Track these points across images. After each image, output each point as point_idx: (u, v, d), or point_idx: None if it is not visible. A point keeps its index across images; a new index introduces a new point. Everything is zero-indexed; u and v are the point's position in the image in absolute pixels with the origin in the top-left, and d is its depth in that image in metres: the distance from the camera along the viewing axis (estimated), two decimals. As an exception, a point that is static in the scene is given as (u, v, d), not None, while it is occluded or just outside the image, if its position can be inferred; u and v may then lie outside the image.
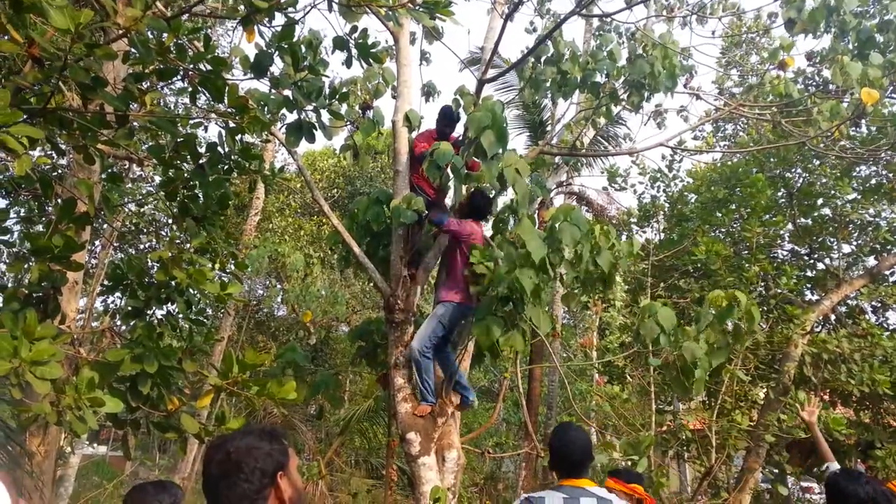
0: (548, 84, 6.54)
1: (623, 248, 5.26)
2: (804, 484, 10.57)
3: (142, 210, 12.15)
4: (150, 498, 3.01)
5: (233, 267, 4.31)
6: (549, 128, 14.59)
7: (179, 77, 3.71)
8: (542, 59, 6.56)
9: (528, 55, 6.44)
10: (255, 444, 1.72)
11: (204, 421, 4.64)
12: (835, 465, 4.33)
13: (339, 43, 4.34)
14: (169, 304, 4.17)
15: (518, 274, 5.24)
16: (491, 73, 6.19)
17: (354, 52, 4.28)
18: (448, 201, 6.20)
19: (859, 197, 10.08)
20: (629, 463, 6.11)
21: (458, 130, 6.05)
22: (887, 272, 10.51)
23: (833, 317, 10.39)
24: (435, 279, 5.76)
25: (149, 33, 3.26)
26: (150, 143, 4.02)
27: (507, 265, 5.08)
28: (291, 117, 4.36)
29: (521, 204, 5.37)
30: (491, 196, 5.91)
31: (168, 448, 18.03)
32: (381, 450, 13.58)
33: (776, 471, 9.06)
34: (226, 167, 4.08)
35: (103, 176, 4.10)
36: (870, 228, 10.38)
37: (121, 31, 2.93)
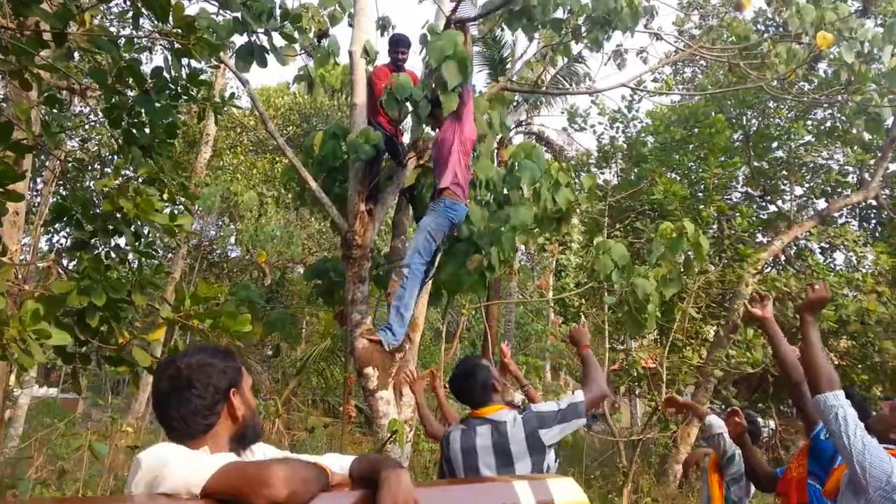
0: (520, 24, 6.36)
1: (584, 182, 5.25)
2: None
3: (85, 145, 11.69)
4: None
5: (182, 199, 4.15)
6: (509, 65, 14.38)
7: (121, -5, 3.48)
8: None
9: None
10: (207, 361, 1.67)
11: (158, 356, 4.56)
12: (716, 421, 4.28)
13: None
14: (117, 237, 4.01)
15: (503, 236, 5.24)
16: (466, 13, 5.94)
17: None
18: (406, 136, 6.09)
19: (813, 139, 10.26)
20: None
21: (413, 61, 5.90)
22: (836, 214, 10.80)
23: (783, 257, 10.68)
24: (435, 161, 5.26)
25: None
26: (91, 67, 3.80)
27: (492, 223, 5.09)
28: (242, 42, 4.17)
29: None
30: None
31: (121, 390, 17.88)
32: (337, 389, 13.67)
33: (723, 405, 9.40)
34: (172, 94, 3.89)
35: (42, 99, 3.86)
36: (822, 171, 10.62)
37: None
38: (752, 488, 4.19)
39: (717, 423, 4.21)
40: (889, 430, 2.70)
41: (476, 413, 3.08)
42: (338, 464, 1.61)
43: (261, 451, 1.75)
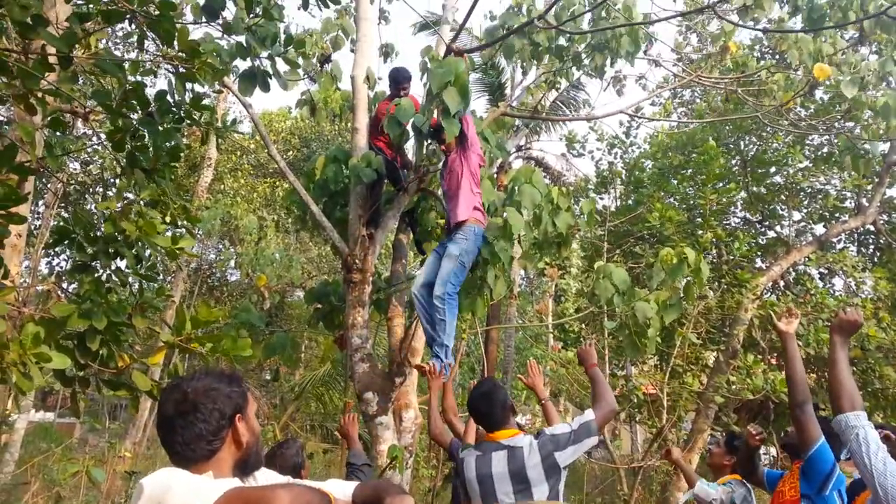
0: (517, 54, 6.45)
1: (584, 206, 5.25)
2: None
3: (88, 168, 11.72)
4: (282, 460, 3.39)
5: (185, 221, 4.15)
6: (507, 90, 14.49)
7: (126, 20, 3.51)
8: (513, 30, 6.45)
9: (508, 35, 6.21)
10: (213, 386, 1.66)
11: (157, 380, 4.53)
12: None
13: (296, -15, 4.18)
14: (118, 260, 4.01)
15: (495, 245, 5.24)
16: (464, 41, 6.03)
17: (311, -7, 4.13)
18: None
19: (810, 165, 10.31)
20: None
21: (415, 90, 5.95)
22: (834, 239, 10.82)
23: (782, 283, 10.68)
24: (445, 206, 5.20)
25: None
26: (95, 90, 3.82)
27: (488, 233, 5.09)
28: (246, 66, 4.21)
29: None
30: None
31: (118, 414, 17.75)
32: (336, 415, 13.56)
33: (723, 431, 9.34)
34: (176, 117, 3.91)
35: (46, 122, 3.88)
36: (819, 196, 10.65)
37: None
38: None
39: (709, 490, 4.24)
40: None
41: (491, 437, 3.09)
42: (341, 490, 1.60)
43: (264, 478, 1.74)
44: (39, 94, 3.44)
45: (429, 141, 5.58)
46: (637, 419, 10.56)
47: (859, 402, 2.65)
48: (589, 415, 3.05)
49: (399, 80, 5.92)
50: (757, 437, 4.00)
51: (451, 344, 4.82)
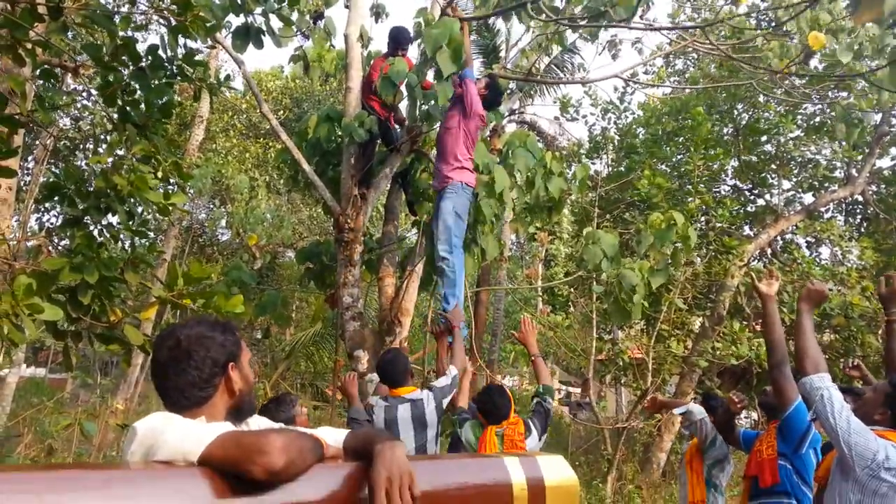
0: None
1: (577, 172, 5.28)
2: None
3: (78, 124, 11.59)
4: (272, 414, 3.33)
5: (176, 177, 4.15)
6: (502, 53, 14.35)
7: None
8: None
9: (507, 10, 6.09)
10: (207, 333, 1.68)
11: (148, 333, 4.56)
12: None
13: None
14: (109, 216, 4.01)
15: (481, 202, 5.25)
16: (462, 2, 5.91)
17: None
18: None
19: (802, 134, 10.32)
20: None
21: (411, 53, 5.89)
22: (823, 209, 10.89)
23: (769, 251, 10.78)
24: (436, 158, 5.18)
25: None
26: (85, 43, 3.78)
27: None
28: (238, 23, 4.16)
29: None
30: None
31: (110, 371, 17.84)
32: (326, 374, 13.69)
33: (706, 394, 9.50)
34: (168, 73, 3.88)
35: (37, 73, 3.84)
36: (810, 166, 10.69)
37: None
38: (730, 470, 4.34)
39: (697, 409, 4.33)
40: (873, 412, 2.78)
41: (395, 392, 3.90)
42: (332, 437, 1.63)
43: (256, 424, 1.78)
44: (28, 46, 3.40)
45: (421, 101, 5.55)
46: (622, 381, 10.74)
47: (823, 365, 2.76)
48: (453, 370, 4.05)
49: (400, 40, 5.85)
50: (738, 405, 4.11)
51: (461, 295, 4.95)
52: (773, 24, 9.16)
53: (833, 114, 10.03)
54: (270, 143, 16.75)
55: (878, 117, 9.77)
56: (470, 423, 3.96)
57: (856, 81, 7.51)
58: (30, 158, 12.60)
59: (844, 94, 9.17)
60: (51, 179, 4.04)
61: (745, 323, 9.26)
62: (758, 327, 9.49)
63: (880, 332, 8.48)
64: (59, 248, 4.93)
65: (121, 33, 3.66)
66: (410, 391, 3.92)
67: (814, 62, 9.26)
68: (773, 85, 8.63)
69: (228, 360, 1.69)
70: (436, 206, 5.04)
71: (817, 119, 10.38)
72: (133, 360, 11.86)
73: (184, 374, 1.63)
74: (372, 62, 6.03)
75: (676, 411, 4.67)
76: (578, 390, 17.27)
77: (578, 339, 10.92)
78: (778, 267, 8.95)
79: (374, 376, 5.06)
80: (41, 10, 3.29)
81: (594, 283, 7.40)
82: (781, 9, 7.32)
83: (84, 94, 11.58)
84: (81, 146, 12.97)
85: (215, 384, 1.67)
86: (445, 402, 3.94)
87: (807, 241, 11.11)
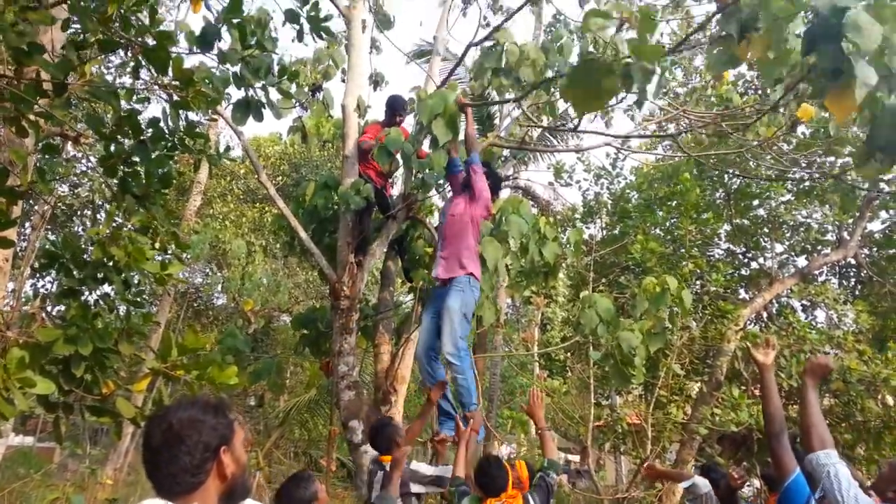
0: (489, 76, 6.44)
1: (571, 236, 5.32)
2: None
3: (76, 191, 11.69)
4: (295, 493, 3.47)
5: (174, 247, 4.16)
6: (496, 121, 14.62)
7: (122, 48, 3.56)
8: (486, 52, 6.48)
9: (471, 46, 6.29)
10: (198, 417, 1.66)
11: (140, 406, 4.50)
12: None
13: (291, 16, 4.24)
14: (105, 286, 4.00)
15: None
16: (457, 74, 6.03)
17: (306, 25, 4.19)
18: (396, 189, 6.18)
19: (792, 198, 10.46)
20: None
21: (408, 123, 6.03)
22: (817, 272, 10.95)
23: (765, 314, 10.78)
24: (440, 247, 5.14)
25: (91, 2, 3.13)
26: (88, 115, 3.85)
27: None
28: (239, 96, 4.26)
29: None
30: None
31: (100, 439, 17.48)
32: (321, 442, 13.45)
33: (707, 463, 9.33)
34: (169, 144, 3.94)
35: (39, 146, 3.90)
36: (801, 229, 10.79)
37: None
38: None
39: (702, 483, 4.28)
40: (888, 488, 2.74)
41: (381, 459, 4.20)
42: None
43: (250, 508, 1.75)
44: (32, 118, 3.47)
45: (417, 170, 5.64)
46: (622, 450, 10.55)
47: (830, 441, 2.73)
48: (449, 469, 4.17)
49: (396, 107, 6.00)
50: (739, 481, 4.05)
51: (474, 394, 4.83)
52: (760, 92, 9.42)
53: (821, 178, 10.21)
54: (267, 208, 16.90)
55: (865, 183, 9.93)
56: (469, 498, 3.83)
57: (843, 146, 7.66)
58: (27, 225, 12.66)
59: (832, 158, 9.34)
60: (48, 247, 4.05)
61: (743, 389, 9.17)
62: (757, 392, 9.40)
63: (879, 396, 8.41)
64: (53, 316, 4.90)
65: (123, 104, 3.73)
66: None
67: (801, 128, 9.47)
68: (762, 151, 8.80)
69: (220, 444, 1.67)
70: (441, 297, 4.92)
71: (807, 184, 10.55)
72: (124, 430, 11.63)
73: (175, 461, 1.61)
74: (365, 128, 6.13)
75: (682, 485, 4.59)
76: (577, 458, 16.95)
77: (576, 405, 10.79)
78: (774, 331, 8.93)
79: (370, 447, 4.98)
80: (46, 85, 3.36)
81: (591, 348, 7.36)
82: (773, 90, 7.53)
83: (83, 161, 11.73)
84: (79, 213, 13.05)
85: (207, 469, 1.64)
86: (414, 487, 4.18)
87: (802, 305, 11.12)
